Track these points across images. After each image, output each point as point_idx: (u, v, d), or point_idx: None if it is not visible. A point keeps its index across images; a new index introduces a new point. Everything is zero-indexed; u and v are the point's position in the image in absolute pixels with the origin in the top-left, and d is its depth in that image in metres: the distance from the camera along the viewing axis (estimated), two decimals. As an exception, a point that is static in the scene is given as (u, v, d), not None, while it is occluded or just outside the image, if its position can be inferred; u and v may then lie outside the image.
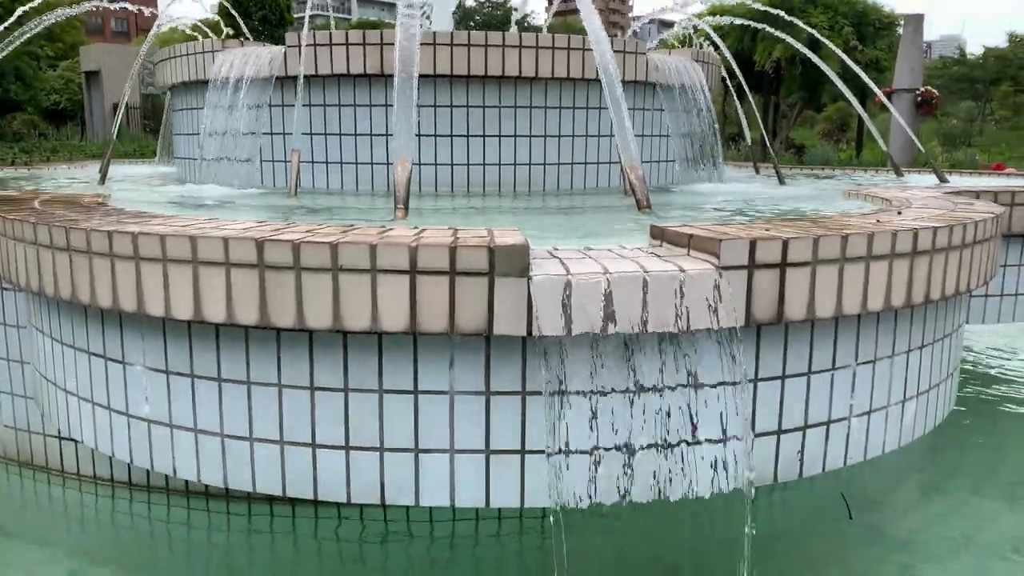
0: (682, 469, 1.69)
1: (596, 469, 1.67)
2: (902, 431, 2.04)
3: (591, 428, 1.65)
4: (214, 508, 2.85)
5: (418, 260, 1.54)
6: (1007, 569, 2.48)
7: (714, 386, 1.68)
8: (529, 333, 1.56)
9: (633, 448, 1.67)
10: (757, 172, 6.32)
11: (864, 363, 1.90)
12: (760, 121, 10.19)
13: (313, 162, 3.85)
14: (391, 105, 2.90)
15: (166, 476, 2.93)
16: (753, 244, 1.61)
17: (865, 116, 6.37)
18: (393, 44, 3.11)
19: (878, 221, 1.95)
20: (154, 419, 1.91)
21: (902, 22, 13.52)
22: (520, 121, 3.84)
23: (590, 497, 1.68)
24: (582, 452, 1.66)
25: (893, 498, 3.08)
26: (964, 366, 4.12)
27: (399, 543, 2.68)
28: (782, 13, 6.67)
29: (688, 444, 1.70)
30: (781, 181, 5.08)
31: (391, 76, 2.79)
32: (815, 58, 5.26)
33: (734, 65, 5.43)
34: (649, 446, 1.68)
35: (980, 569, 2.48)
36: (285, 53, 3.82)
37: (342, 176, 3.85)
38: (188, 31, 6.88)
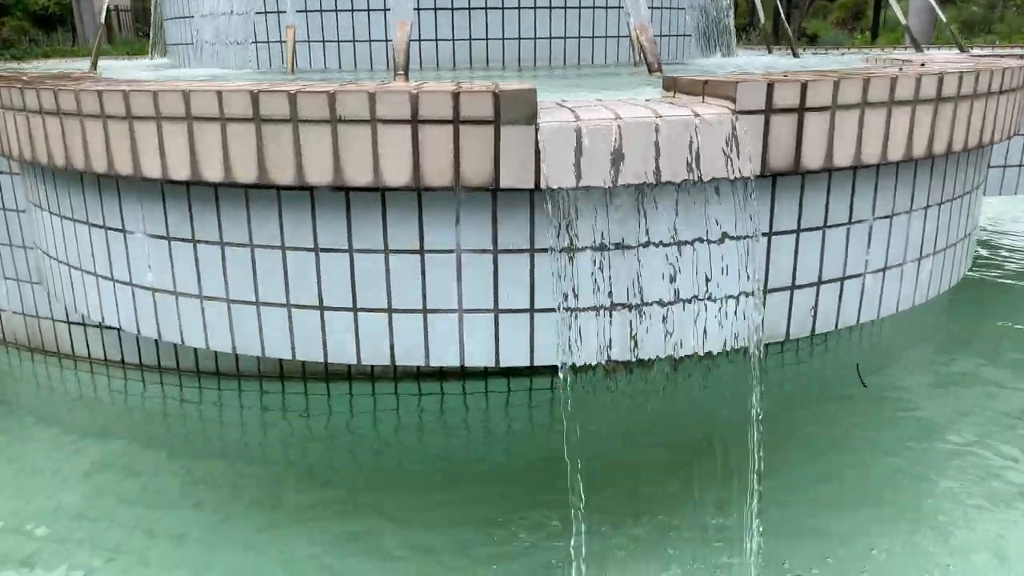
0: (694, 322, 1.67)
1: (606, 325, 1.65)
2: (916, 289, 2.01)
3: (601, 283, 1.61)
4: (226, 386, 2.89)
5: (420, 108, 1.48)
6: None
7: (727, 240, 1.64)
8: (537, 186, 1.51)
9: (644, 303, 1.65)
10: (770, 52, 6.14)
11: (881, 218, 1.84)
12: (773, 5, 9.81)
13: (309, 41, 3.71)
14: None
15: (176, 356, 2.96)
16: (771, 87, 1.53)
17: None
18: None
19: (901, 70, 1.86)
20: (158, 287, 1.89)
21: None
22: (524, -8, 3.67)
23: (600, 354, 1.66)
24: (592, 309, 1.63)
25: (904, 370, 3.11)
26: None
27: (409, 415, 2.73)
28: None
29: (699, 299, 1.67)
30: (795, 55, 4.91)
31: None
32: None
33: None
34: (659, 302, 1.65)
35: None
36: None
37: (339, 54, 3.71)
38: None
